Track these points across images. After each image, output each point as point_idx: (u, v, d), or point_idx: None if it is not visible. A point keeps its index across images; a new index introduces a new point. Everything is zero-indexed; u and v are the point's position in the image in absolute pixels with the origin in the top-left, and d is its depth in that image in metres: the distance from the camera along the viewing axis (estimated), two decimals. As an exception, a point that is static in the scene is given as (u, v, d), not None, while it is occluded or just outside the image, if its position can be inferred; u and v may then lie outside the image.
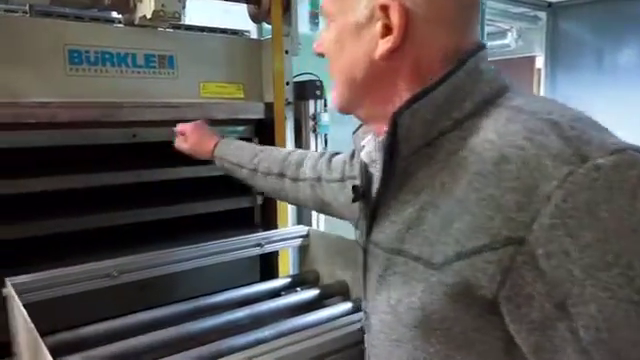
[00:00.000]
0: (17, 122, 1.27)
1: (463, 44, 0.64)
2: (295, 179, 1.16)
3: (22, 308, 0.94)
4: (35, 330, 0.85)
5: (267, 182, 1.21)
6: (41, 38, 1.33)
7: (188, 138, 1.33)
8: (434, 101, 0.61)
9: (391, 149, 0.63)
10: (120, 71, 1.45)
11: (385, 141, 0.64)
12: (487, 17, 4.12)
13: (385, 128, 0.65)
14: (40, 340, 0.83)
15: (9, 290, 1.05)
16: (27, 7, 1.39)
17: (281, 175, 1.18)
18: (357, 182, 0.79)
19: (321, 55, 0.74)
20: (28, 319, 0.89)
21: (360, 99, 0.69)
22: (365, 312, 0.76)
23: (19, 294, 1.04)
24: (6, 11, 1.44)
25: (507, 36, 5.04)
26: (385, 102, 0.66)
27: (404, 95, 0.64)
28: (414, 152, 0.63)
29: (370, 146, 0.74)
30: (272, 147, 1.35)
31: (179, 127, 1.36)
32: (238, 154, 1.25)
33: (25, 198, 1.34)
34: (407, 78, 0.64)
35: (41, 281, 1.12)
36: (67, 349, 1.05)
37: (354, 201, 0.78)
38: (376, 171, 0.73)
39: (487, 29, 4.27)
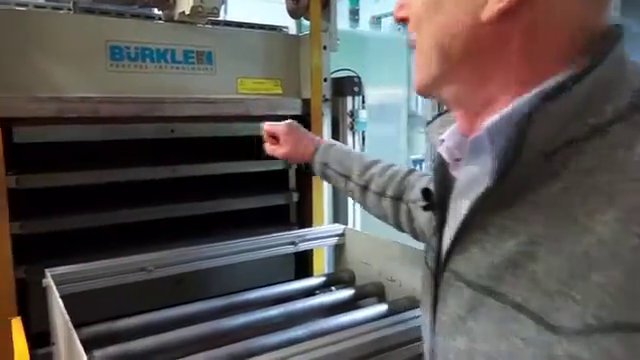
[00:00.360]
0: (60, 116, 1.29)
1: (599, 23, 0.49)
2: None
3: (59, 299, 0.96)
4: (69, 321, 0.86)
5: (380, 204, 1.08)
6: (84, 34, 1.36)
7: (283, 142, 1.21)
8: (574, 100, 0.46)
9: (505, 158, 0.48)
10: (159, 67, 1.46)
11: (498, 146, 0.49)
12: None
13: (467, 120, 0.54)
14: (73, 331, 0.83)
15: (48, 281, 1.07)
16: (71, 4, 1.42)
17: (398, 199, 1.05)
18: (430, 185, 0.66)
19: (402, 21, 0.59)
20: (64, 310, 0.90)
21: (451, 74, 0.54)
22: (432, 351, 0.62)
23: (57, 285, 1.06)
24: (53, 8, 1.47)
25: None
26: (481, 82, 0.52)
27: (509, 77, 0.50)
28: (530, 165, 0.47)
29: (451, 141, 0.60)
30: (383, 162, 1.14)
31: (267, 127, 1.25)
32: (346, 164, 1.13)
33: (64, 191, 1.37)
34: (517, 53, 0.49)
35: (78, 273, 1.14)
36: (101, 341, 1.06)
37: (426, 209, 0.66)
38: (461, 175, 0.59)
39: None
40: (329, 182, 1.21)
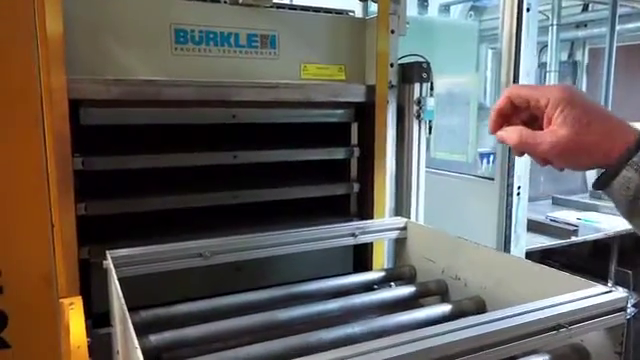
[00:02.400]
0: (125, 99, 1.30)
1: None
2: None
3: (116, 281, 0.96)
4: (124, 305, 0.85)
5: None
6: (151, 17, 1.36)
7: (560, 121, 0.65)
8: None
9: None
10: (223, 51, 1.44)
11: None
12: (620, -3, 3.68)
13: None
14: (127, 315, 0.82)
15: (108, 262, 1.08)
16: (139, -13, 1.42)
17: None
18: None
19: None
20: (120, 293, 0.90)
21: None
22: None
23: (116, 267, 1.06)
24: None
25: (643, 19, 4.50)
26: None
27: None
28: None
29: None
30: None
31: (513, 90, 0.73)
32: None
33: (127, 174, 1.38)
34: None
35: (137, 256, 1.14)
36: (158, 325, 1.06)
37: None
38: None
39: (620, 10, 3.81)
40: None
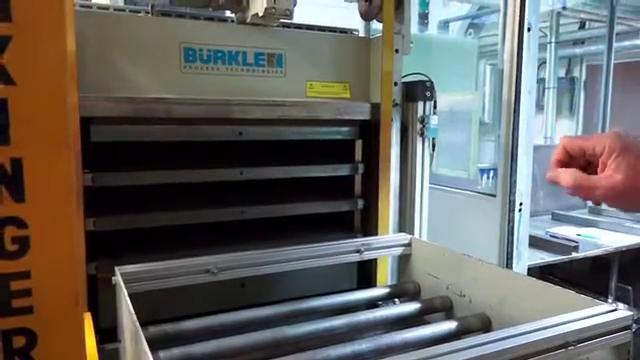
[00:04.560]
0: (134, 116, 1.32)
1: None
2: None
3: (127, 297, 0.97)
4: (137, 321, 0.86)
5: None
6: (160, 36, 1.39)
7: (615, 166, 0.70)
8: None
9: None
10: (230, 69, 1.47)
11: None
12: (617, 14, 3.73)
13: None
14: (140, 331, 0.83)
15: (118, 279, 1.09)
16: (149, 7, 1.45)
17: None
18: None
19: None
20: (131, 309, 0.91)
21: None
22: None
23: (126, 283, 1.07)
24: (131, 11, 1.51)
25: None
26: None
27: None
28: None
29: None
30: None
31: (566, 141, 0.77)
32: None
33: (134, 190, 1.40)
34: None
35: (146, 272, 1.15)
36: (165, 341, 1.06)
37: None
38: None
39: (617, 28, 3.87)
40: None
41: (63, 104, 0.54)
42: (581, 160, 0.76)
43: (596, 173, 0.73)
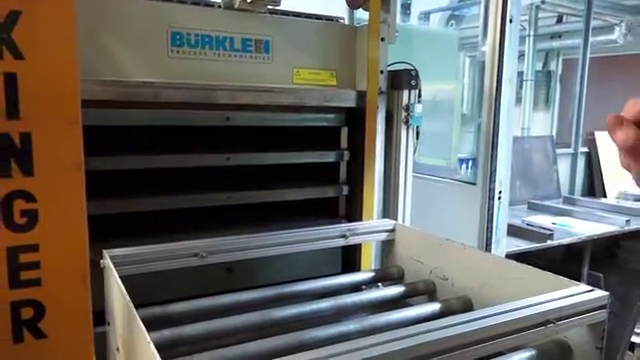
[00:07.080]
0: (122, 100, 1.31)
1: None
2: None
3: (118, 280, 0.97)
4: (130, 302, 0.87)
5: None
6: (148, 20, 1.38)
7: None
8: None
9: None
10: (218, 54, 1.47)
11: None
12: (594, 10, 3.82)
13: None
14: (135, 312, 0.84)
15: (107, 262, 1.09)
16: (135, -10, 1.43)
17: None
18: None
19: None
20: (124, 291, 0.91)
21: None
22: None
23: (115, 266, 1.07)
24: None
25: (614, 31, 4.66)
26: None
27: None
28: None
29: None
30: None
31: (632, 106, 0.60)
32: None
33: (120, 175, 1.39)
34: None
35: (134, 255, 1.16)
36: (156, 323, 1.07)
37: None
38: None
39: (593, 23, 3.95)
40: None
41: (73, 78, 0.55)
42: None
43: None
